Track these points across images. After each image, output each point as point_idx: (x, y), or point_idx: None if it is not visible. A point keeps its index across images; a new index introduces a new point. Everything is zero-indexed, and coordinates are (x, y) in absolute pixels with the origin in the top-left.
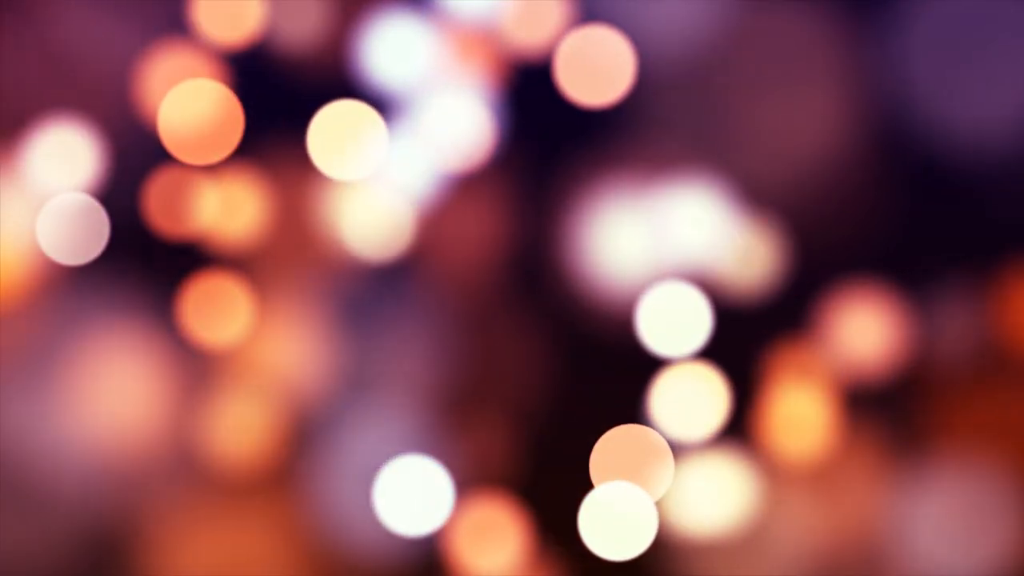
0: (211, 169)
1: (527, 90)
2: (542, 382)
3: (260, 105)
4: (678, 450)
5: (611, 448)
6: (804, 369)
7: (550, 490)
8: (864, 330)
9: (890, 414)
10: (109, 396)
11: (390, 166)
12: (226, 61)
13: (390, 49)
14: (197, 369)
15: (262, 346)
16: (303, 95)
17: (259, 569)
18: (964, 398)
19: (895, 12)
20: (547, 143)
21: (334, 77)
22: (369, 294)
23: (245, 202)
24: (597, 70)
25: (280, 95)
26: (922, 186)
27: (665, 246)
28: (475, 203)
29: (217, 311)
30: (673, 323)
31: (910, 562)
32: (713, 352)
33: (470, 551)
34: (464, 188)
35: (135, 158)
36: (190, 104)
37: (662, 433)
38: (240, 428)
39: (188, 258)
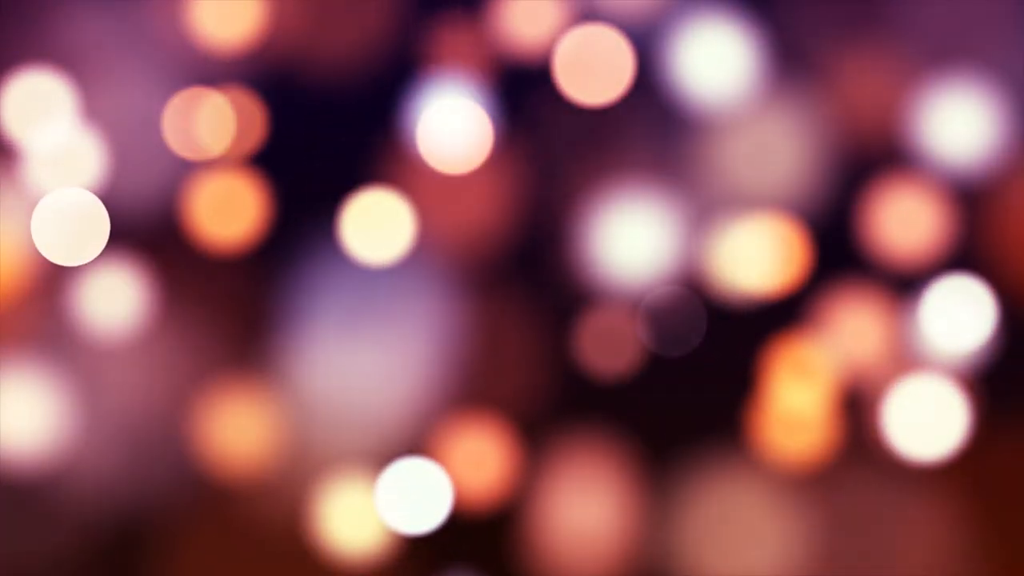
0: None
1: (525, 89)
2: (542, 381)
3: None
4: None
5: None
6: (803, 368)
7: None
8: (864, 330)
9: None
10: (109, 396)
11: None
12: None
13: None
14: (197, 367)
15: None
16: (305, 97)
17: (258, 570)
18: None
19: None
20: (546, 142)
21: (338, 80)
22: (369, 293)
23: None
24: (596, 69)
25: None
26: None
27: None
28: (474, 202)
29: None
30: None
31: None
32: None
33: None
34: (463, 187)
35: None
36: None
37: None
38: (240, 428)
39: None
